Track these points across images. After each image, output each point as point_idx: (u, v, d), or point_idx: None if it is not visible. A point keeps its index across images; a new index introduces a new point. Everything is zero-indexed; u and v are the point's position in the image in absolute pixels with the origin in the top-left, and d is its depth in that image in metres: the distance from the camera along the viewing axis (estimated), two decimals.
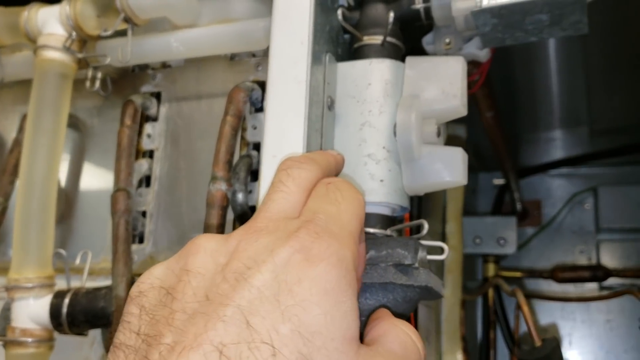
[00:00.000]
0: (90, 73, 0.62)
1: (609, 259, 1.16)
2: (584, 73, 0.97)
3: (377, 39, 0.50)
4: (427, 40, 0.55)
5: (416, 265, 0.42)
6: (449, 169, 0.46)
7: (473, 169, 1.27)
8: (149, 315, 0.28)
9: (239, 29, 0.56)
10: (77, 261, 0.57)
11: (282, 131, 0.43)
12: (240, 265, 0.27)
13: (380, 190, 0.46)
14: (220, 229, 0.51)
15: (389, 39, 0.50)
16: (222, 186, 0.50)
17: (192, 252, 0.29)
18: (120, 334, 0.28)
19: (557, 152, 1.20)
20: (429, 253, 0.45)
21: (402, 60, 0.50)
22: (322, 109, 0.46)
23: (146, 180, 0.61)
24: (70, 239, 0.65)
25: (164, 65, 0.64)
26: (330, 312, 0.26)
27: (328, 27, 0.48)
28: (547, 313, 1.18)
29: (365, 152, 0.46)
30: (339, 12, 0.49)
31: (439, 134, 0.47)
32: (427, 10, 0.49)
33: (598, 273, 1.03)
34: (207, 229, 0.50)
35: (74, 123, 0.68)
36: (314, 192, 0.32)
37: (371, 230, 0.46)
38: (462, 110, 0.47)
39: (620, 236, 1.17)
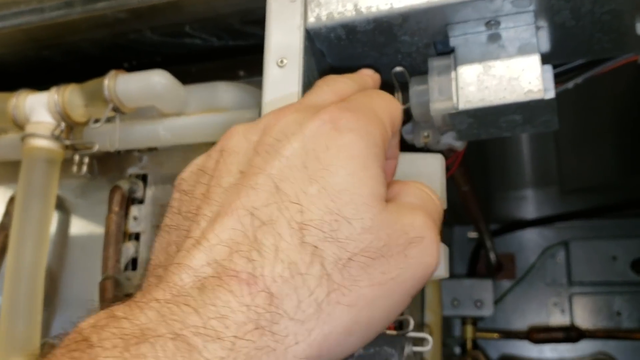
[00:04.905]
0: (77, 158, 0.63)
1: (581, 312, 1.19)
2: (554, 141, 1.02)
3: None
4: (406, 130, 0.57)
5: None
6: None
7: (448, 224, 1.30)
8: (188, 195, 0.30)
9: (226, 119, 0.58)
10: None
11: None
12: (270, 139, 0.28)
13: None
14: None
15: None
16: None
17: (226, 137, 0.31)
18: (165, 219, 0.30)
19: (529, 209, 1.24)
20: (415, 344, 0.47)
21: None
22: None
23: (132, 263, 0.62)
24: (55, 322, 0.65)
25: (150, 148, 0.65)
26: (357, 174, 0.27)
27: None
28: None
29: None
30: None
31: None
32: (407, 110, 0.52)
33: (572, 334, 1.05)
34: None
35: (58, 203, 0.68)
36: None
37: None
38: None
39: (592, 289, 1.20)
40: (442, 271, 0.49)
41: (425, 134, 0.54)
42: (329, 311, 0.24)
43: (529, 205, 1.23)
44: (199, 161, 0.32)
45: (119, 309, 0.23)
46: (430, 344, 0.48)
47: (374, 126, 0.29)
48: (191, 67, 0.65)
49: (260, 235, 0.24)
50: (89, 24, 0.64)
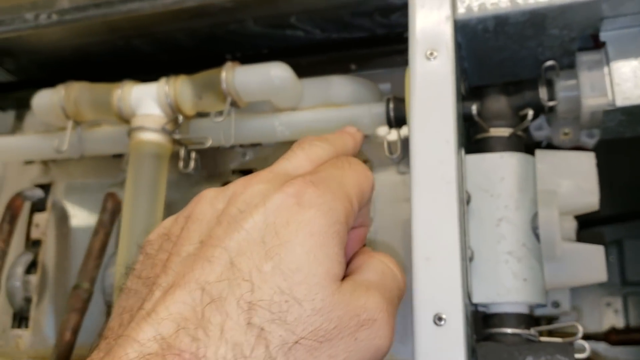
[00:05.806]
0: (182, 153, 0.60)
1: (636, 313, 1.18)
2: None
3: (503, 132, 0.50)
4: (536, 126, 0.55)
5: None
6: (590, 267, 0.46)
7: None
8: (150, 260, 0.30)
9: (347, 114, 0.56)
10: None
11: (435, 233, 0.42)
12: (234, 209, 0.28)
13: (524, 289, 0.45)
14: None
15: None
16: None
17: (194, 202, 0.31)
18: (127, 280, 0.30)
19: None
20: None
21: (524, 148, 0.50)
22: (464, 206, 0.46)
23: None
24: None
25: (254, 143, 0.63)
26: (314, 252, 0.26)
27: (460, 120, 0.48)
28: None
29: (506, 249, 0.46)
30: (474, 107, 0.49)
31: (577, 230, 0.47)
32: (552, 105, 0.50)
33: None
34: None
35: None
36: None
37: (509, 330, 0.46)
38: (596, 205, 0.48)
39: None
40: (603, 276, 0.47)
41: (566, 130, 0.52)
42: None
43: None
44: (167, 224, 0.32)
45: None
46: (587, 352, 0.46)
47: (339, 202, 0.28)
48: (300, 60, 0.62)
49: (208, 313, 0.24)
50: (191, 13, 0.62)
